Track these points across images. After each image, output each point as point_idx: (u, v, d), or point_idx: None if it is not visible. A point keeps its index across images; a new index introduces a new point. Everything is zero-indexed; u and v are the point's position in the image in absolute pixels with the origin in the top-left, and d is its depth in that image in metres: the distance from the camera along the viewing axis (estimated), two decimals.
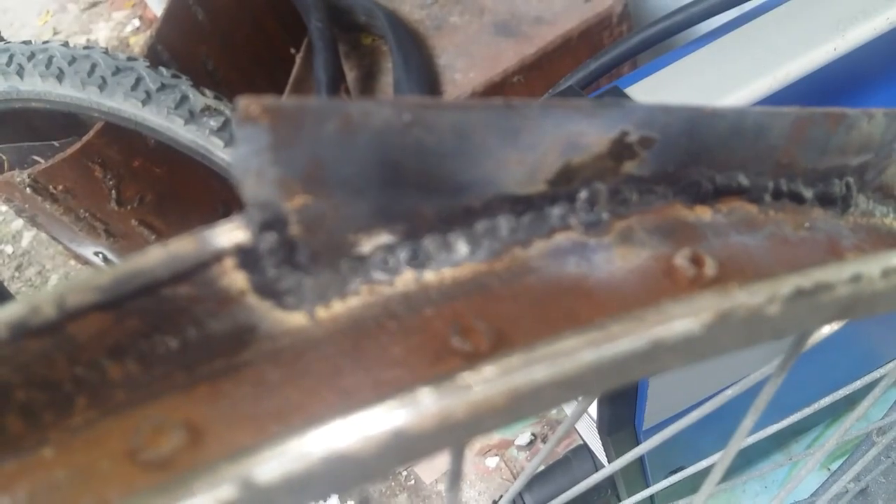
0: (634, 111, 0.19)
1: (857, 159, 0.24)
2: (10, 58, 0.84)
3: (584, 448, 0.82)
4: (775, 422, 0.45)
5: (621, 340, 0.15)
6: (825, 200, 0.24)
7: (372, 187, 0.17)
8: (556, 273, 0.18)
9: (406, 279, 0.17)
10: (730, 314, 0.16)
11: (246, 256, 0.16)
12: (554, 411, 0.90)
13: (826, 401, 0.40)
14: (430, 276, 0.18)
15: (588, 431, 0.75)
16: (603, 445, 0.68)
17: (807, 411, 0.39)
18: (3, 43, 0.88)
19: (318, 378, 0.16)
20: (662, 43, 0.67)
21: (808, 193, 0.23)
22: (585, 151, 0.19)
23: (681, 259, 0.19)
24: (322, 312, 0.17)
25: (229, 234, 0.15)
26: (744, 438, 0.25)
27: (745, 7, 0.63)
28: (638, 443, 0.65)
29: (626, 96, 0.53)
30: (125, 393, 0.16)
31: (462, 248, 0.18)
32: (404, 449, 0.13)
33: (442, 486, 0.84)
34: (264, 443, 0.14)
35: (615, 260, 0.19)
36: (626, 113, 0.19)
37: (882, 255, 0.17)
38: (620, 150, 0.19)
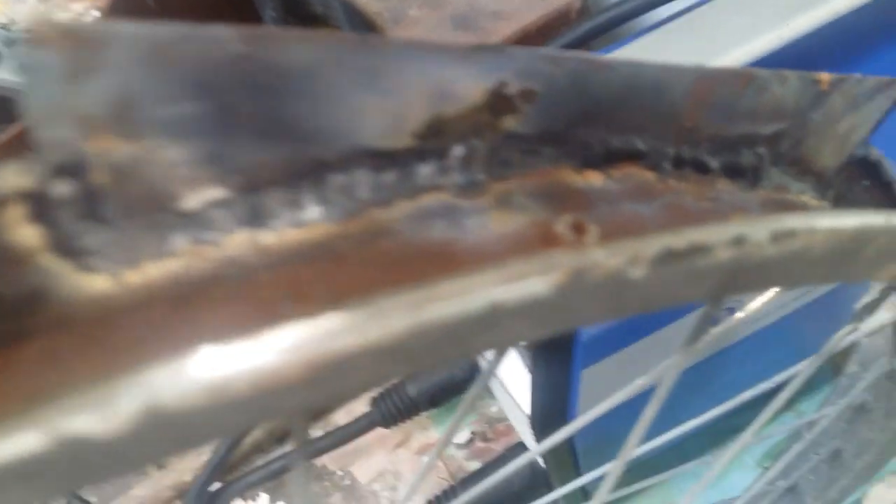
0: (513, 58, 0.17)
1: (769, 127, 0.23)
2: None
3: (521, 446, 0.81)
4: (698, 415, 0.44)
5: (451, 301, 0.13)
6: (733, 172, 0.23)
7: (199, 131, 0.14)
8: (419, 238, 0.16)
9: (239, 240, 0.15)
10: (584, 275, 0.14)
11: (36, 206, 0.13)
12: (493, 408, 0.88)
13: (747, 394, 0.39)
14: (269, 237, 0.15)
15: (525, 430, 0.74)
16: (537, 441, 0.67)
17: (728, 405, 0.38)
18: None
19: (116, 351, 0.13)
20: (615, 31, 0.65)
21: (713, 163, 0.22)
22: (458, 102, 0.17)
23: (561, 226, 0.17)
24: (132, 276, 0.14)
25: (11, 175, 0.13)
26: (641, 435, 0.24)
27: None
28: (573, 444, 0.64)
29: None
30: None
31: (311, 206, 0.16)
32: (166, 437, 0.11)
33: (378, 486, 0.82)
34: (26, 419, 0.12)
35: (489, 225, 0.17)
36: (503, 60, 0.16)
37: (773, 217, 0.16)
38: (499, 102, 0.17)
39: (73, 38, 0.12)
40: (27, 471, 0.11)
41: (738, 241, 0.15)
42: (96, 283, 0.14)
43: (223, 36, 0.13)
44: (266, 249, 0.15)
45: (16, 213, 0.13)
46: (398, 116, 0.16)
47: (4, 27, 0.82)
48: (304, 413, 0.16)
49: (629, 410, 0.35)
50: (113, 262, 0.14)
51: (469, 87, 0.16)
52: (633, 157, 0.20)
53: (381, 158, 0.16)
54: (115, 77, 0.13)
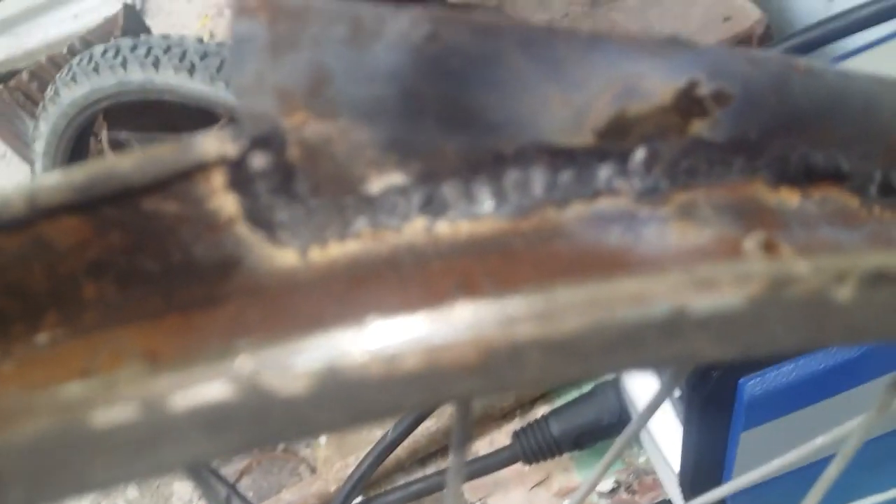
0: (708, 55, 0.16)
1: None
2: (149, 50, 0.89)
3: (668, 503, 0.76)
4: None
5: (634, 300, 0.12)
6: None
7: (386, 114, 0.15)
8: (593, 242, 0.16)
9: (416, 228, 0.15)
10: (783, 289, 0.13)
11: (235, 174, 0.14)
12: (641, 459, 0.84)
13: None
14: (443, 227, 0.15)
15: (672, 486, 0.69)
16: (685, 500, 0.62)
17: None
18: (143, 36, 0.94)
19: (298, 320, 0.14)
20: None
21: None
22: (645, 100, 0.16)
23: (751, 244, 0.16)
24: (316, 253, 0.15)
25: (215, 143, 0.14)
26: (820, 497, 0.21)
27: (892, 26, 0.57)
28: None
29: None
30: (96, 314, 0.15)
31: (486, 200, 0.16)
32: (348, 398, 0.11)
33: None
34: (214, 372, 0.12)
35: (670, 236, 0.16)
36: (696, 56, 0.16)
37: None
38: (688, 104, 0.16)
39: (275, 9, 0.13)
40: (213, 418, 0.12)
41: None
42: (285, 256, 0.15)
43: (418, 17, 0.14)
44: (440, 239, 0.15)
45: (217, 180, 0.14)
46: (581, 111, 0.16)
47: (200, 40, 0.90)
48: (468, 404, 0.16)
49: (791, 479, 0.32)
50: (300, 239, 0.15)
51: (657, 84, 0.16)
52: (834, 177, 0.18)
53: (560, 156, 0.16)
54: (314, 52, 0.13)
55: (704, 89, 0.16)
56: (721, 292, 0.13)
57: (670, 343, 0.13)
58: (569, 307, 0.12)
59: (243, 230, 0.15)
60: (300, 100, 0.14)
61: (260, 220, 0.15)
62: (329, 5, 0.13)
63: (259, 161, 0.14)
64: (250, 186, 0.14)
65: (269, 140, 0.14)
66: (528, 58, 0.15)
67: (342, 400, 0.11)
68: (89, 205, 0.14)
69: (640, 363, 0.13)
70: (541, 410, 0.86)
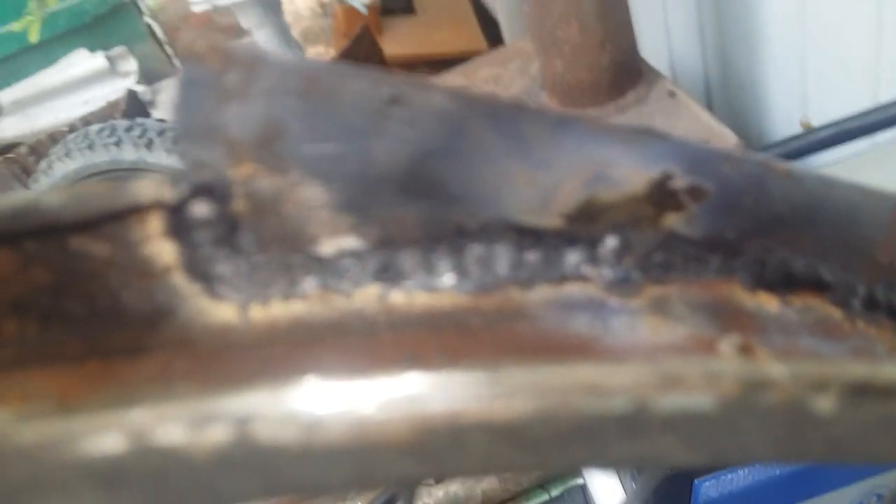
0: (683, 149, 0.15)
1: None
2: (143, 131, 0.91)
3: None
4: None
5: (593, 389, 0.11)
6: None
7: (342, 174, 0.14)
8: (559, 327, 0.15)
9: (368, 295, 0.14)
10: (758, 392, 0.11)
11: (175, 221, 0.13)
12: None
13: None
14: (398, 296, 0.14)
15: None
16: None
17: None
18: (140, 119, 0.96)
19: (223, 381, 0.13)
20: None
21: None
22: (617, 188, 0.15)
23: (727, 345, 0.15)
24: (257, 311, 0.14)
25: (151, 186, 0.13)
26: None
27: None
28: None
29: None
30: (14, 352, 0.13)
31: (446, 272, 0.15)
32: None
33: None
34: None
35: (641, 330, 0.15)
36: (671, 149, 0.15)
37: None
38: (662, 196, 0.16)
39: (226, 57, 0.13)
40: (106, 472, 0.10)
41: None
42: (221, 311, 0.14)
43: (380, 79, 0.13)
44: (394, 309, 0.14)
45: (154, 226, 0.13)
46: (548, 192, 0.15)
47: (161, 120, 0.93)
48: (412, 489, 0.14)
49: None
50: (241, 294, 0.14)
51: (631, 173, 0.15)
52: (815, 286, 0.17)
53: (526, 235, 0.15)
54: (266, 104, 0.13)
55: (679, 182, 0.16)
56: (688, 390, 0.12)
57: (632, 441, 0.12)
58: (518, 390, 0.11)
59: (179, 280, 0.14)
60: (249, 151, 0.13)
61: (198, 271, 0.14)
62: (284, 59, 0.13)
63: (201, 209, 0.13)
64: (190, 235, 0.13)
65: (212, 189, 0.13)
66: (493, 130, 0.14)
67: (254, 468, 0.10)
68: (12, 237, 0.13)
69: (600, 460, 0.12)
70: None
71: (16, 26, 1.70)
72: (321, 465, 0.10)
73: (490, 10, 1.55)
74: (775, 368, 0.12)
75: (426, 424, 0.11)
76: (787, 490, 0.45)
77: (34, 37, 1.70)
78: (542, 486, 0.80)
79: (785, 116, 0.96)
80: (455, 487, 0.91)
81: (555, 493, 0.77)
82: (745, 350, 0.15)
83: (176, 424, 0.10)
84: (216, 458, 0.10)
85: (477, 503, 0.88)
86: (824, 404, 0.12)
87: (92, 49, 1.70)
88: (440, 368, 0.11)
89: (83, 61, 1.68)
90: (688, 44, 1.09)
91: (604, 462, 0.12)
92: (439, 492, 0.92)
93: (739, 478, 0.43)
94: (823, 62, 0.83)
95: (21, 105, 1.65)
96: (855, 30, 0.75)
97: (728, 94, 1.09)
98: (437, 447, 0.11)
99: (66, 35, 1.72)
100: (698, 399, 0.12)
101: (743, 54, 0.99)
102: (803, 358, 0.14)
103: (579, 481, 0.77)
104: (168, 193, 0.13)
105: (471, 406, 0.10)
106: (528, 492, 0.83)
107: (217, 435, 0.10)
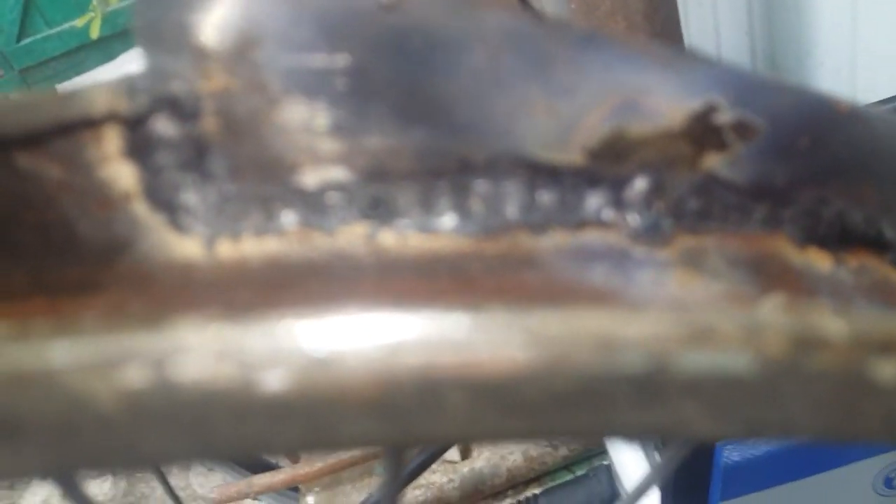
0: (731, 76, 0.13)
1: None
2: None
3: None
4: None
5: (599, 344, 0.09)
6: None
7: (329, 92, 0.12)
8: (572, 278, 0.13)
9: (354, 234, 0.13)
10: (810, 353, 0.09)
11: (134, 139, 0.12)
12: None
13: None
14: (388, 237, 0.13)
15: None
16: None
17: None
18: None
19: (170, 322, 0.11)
20: None
21: None
22: (649, 120, 0.13)
23: (770, 304, 0.13)
24: (225, 247, 0.12)
25: (106, 95, 0.11)
26: None
27: None
28: None
29: None
30: None
31: (446, 212, 0.13)
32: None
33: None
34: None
35: (668, 285, 0.13)
36: (717, 75, 0.13)
37: None
38: (703, 131, 0.13)
39: None
40: (8, 421, 0.09)
41: None
42: (185, 246, 0.12)
43: None
44: (383, 251, 0.12)
45: (111, 144, 0.12)
46: (570, 123, 0.13)
47: None
48: (400, 452, 0.12)
49: None
50: (208, 228, 0.12)
51: (666, 102, 0.13)
52: (874, 244, 0.15)
53: (541, 173, 0.13)
54: (241, 4, 0.11)
55: (724, 116, 0.13)
56: (721, 347, 0.10)
57: (648, 408, 0.10)
58: (507, 338, 0.09)
59: (140, 209, 0.12)
60: (223, 61, 0.11)
61: (161, 199, 0.12)
62: None
63: (163, 126, 0.12)
64: (152, 157, 0.12)
65: (178, 103, 0.12)
66: (508, 48, 0.12)
67: (175, 423, 0.08)
68: None
69: (609, 429, 0.10)
70: (532, 491, 0.83)
71: (78, 22, 1.73)
72: (262, 420, 0.08)
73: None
74: (833, 324, 0.10)
75: (392, 377, 0.09)
76: (813, 457, 0.42)
77: (95, 33, 1.72)
78: (567, 466, 0.78)
79: None
80: (481, 464, 0.91)
81: (579, 472, 0.76)
82: (790, 311, 0.13)
83: (86, 369, 0.08)
84: (127, 404, 0.08)
85: (502, 481, 0.88)
86: (887, 371, 0.10)
87: None
88: (414, 310, 0.09)
89: (140, 58, 1.71)
90: (737, 43, 1.05)
91: (615, 431, 0.10)
92: (464, 468, 0.91)
93: (763, 442, 0.41)
94: (874, 68, 0.79)
95: None
96: None
97: None
98: (405, 406, 0.09)
99: (125, 33, 1.74)
100: (732, 358, 0.10)
101: (793, 57, 0.95)
102: (864, 316, 0.12)
103: (605, 462, 0.75)
104: (125, 104, 0.11)
105: (446, 356, 0.09)
106: (552, 472, 0.82)
107: (130, 376, 0.08)
